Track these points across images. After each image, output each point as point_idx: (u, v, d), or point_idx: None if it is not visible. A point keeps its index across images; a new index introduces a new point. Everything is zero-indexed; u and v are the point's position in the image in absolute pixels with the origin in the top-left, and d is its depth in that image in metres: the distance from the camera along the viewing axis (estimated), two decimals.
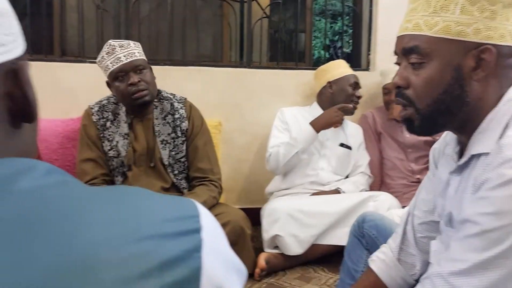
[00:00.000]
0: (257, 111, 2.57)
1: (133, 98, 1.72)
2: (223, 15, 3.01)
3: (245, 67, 2.66)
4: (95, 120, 1.80)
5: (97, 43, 2.55)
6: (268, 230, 2.02)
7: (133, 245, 0.33)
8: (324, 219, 2.02)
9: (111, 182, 1.81)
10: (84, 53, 2.54)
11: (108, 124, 1.80)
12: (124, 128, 1.80)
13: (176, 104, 1.87)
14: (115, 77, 1.73)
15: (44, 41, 2.53)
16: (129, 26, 2.56)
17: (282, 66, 2.73)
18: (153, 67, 2.19)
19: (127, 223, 0.34)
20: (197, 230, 0.36)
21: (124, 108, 1.83)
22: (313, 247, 2.03)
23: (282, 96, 2.59)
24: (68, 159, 2.16)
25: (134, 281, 0.31)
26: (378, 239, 1.27)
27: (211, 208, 1.80)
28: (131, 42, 1.80)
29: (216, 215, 1.77)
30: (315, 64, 3.30)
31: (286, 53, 3.28)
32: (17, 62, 0.42)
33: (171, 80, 2.36)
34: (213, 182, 1.85)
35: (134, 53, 1.75)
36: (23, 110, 0.42)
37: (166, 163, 1.81)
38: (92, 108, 1.83)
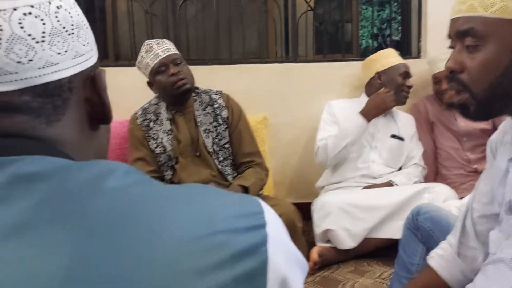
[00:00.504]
0: (304, 105, 2.57)
1: (175, 87, 1.82)
2: (268, 11, 3.02)
3: (291, 62, 2.66)
4: (139, 123, 1.94)
5: None
6: (319, 224, 2.02)
7: (208, 238, 0.35)
8: (376, 213, 1.99)
9: (160, 178, 1.92)
10: (136, 56, 2.64)
11: (152, 124, 1.93)
12: (167, 125, 1.91)
13: (214, 96, 1.96)
14: (157, 72, 1.85)
15: (99, 47, 2.66)
16: (176, 28, 2.64)
17: (329, 58, 2.70)
18: (201, 67, 2.25)
19: (201, 219, 0.36)
20: (262, 226, 0.38)
21: (164, 106, 1.94)
22: (366, 240, 2.01)
23: (329, 89, 2.57)
24: (125, 158, 2.27)
25: (210, 271, 0.34)
26: (434, 232, 1.24)
27: (260, 190, 1.90)
28: (165, 40, 1.93)
29: None
30: (363, 54, 3.23)
31: (333, 45, 3.24)
32: (94, 70, 0.46)
33: (218, 79, 2.40)
34: (259, 165, 1.93)
35: (170, 48, 1.88)
36: (100, 113, 0.46)
37: (211, 150, 1.89)
38: (136, 113, 1.97)
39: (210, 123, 1.91)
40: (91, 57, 0.46)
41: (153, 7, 2.69)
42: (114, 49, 2.80)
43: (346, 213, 1.99)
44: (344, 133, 2.12)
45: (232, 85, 2.33)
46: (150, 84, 1.93)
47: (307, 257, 1.91)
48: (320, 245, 2.01)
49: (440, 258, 1.05)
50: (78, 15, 0.44)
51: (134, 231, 0.34)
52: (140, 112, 1.97)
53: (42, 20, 0.40)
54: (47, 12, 0.40)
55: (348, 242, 1.97)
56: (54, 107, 0.41)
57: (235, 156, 1.94)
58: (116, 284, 0.32)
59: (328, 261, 1.97)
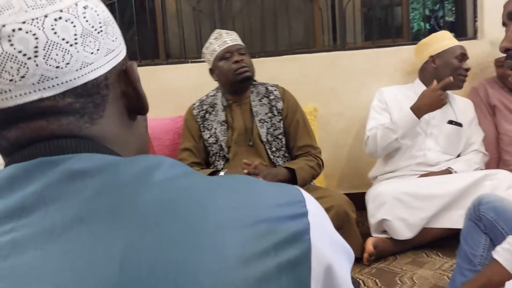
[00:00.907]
0: (354, 94, 2.51)
1: (236, 73, 1.90)
2: (313, 0, 2.97)
3: (339, 50, 2.61)
4: (195, 114, 2.02)
5: (196, 43, 2.70)
6: (374, 215, 1.97)
7: (251, 227, 0.36)
8: (435, 202, 1.92)
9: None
10: (186, 54, 2.70)
11: (207, 115, 2.00)
12: (222, 116, 1.97)
13: (270, 88, 2.02)
14: (221, 58, 1.93)
15: (150, 47, 2.74)
16: (223, 23, 2.66)
17: (378, 44, 2.62)
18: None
19: (245, 208, 0.38)
20: (304, 214, 0.39)
21: (221, 97, 2.00)
22: (424, 230, 1.94)
23: (380, 76, 2.50)
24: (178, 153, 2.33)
25: (255, 259, 0.35)
26: (498, 222, 1.18)
27: (311, 179, 1.91)
28: (234, 32, 2.04)
29: (318, 199, 1.79)
30: (415, 38, 3.11)
31: (382, 30, 3.13)
32: (125, 63, 0.47)
33: (265, 71, 2.39)
34: (312, 155, 1.94)
35: (238, 39, 1.99)
36: (137, 105, 0.47)
37: (264, 140, 1.93)
38: (193, 104, 2.06)
39: (266, 114, 1.96)
40: (120, 51, 0.46)
41: (200, 4, 2.73)
42: (165, 48, 2.88)
43: (402, 203, 1.93)
44: (395, 126, 2.05)
45: (280, 77, 2.32)
46: (211, 71, 2.01)
47: (362, 248, 1.88)
48: (375, 235, 1.97)
49: (506, 251, 1.01)
50: (103, 12, 0.45)
51: (182, 220, 0.35)
52: (197, 104, 2.05)
53: (72, 22, 0.40)
54: (76, 14, 0.41)
55: (404, 232, 1.91)
56: (95, 105, 0.43)
57: (291, 149, 1.97)
58: (167, 270, 0.33)
59: (384, 252, 1.92)
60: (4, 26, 0.38)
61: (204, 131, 1.99)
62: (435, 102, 2.00)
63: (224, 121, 1.96)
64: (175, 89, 2.53)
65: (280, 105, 1.97)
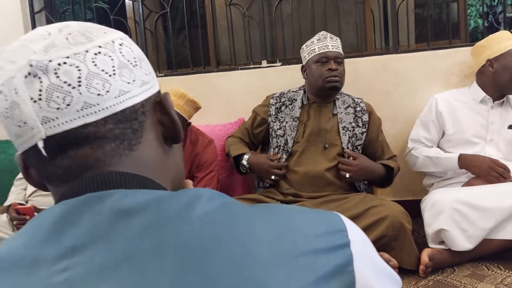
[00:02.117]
0: (408, 98, 2.44)
1: (326, 80, 1.95)
2: (365, 2, 2.91)
3: (392, 52, 2.54)
4: (272, 103, 2.10)
5: (245, 50, 2.73)
6: (431, 224, 1.90)
7: (291, 262, 0.36)
8: (497, 212, 1.82)
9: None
10: (236, 61, 2.73)
11: (283, 107, 2.06)
12: (297, 112, 2.03)
13: (356, 99, 2.08)
14: (317, 60, 1.99)
15: (201, 54, 2.80)
16: (272, 29, 2.67)
17: (433, 46, 2.53)
18: (297, 65, 2.26)
19: (284, 241, 0.38)
20: (346, 244, 0.39)
21: (302, 95, 2.06)
22: (485, 242, 1.85)
23: (436, 79, 2.41)
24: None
25: None
26: None
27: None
28: (338, 38, 2.06)
29: (372, 208, 1.76)
30: (471, 35, 2.97)
31: (437, 29, 3.02)
32: (159, 96, 0.51)
33: None
34: (395, 161, 2.10)
35: (339, 47, 2.03)
36: (172, 132, 0.50)
37: (345, 147, 1.98)
38: (274, 94, 2.16)
39: (350, 123, 2.00)
40: (154, 84, 0.50)
41: (249, 10, 2.76)
42: (215, 55, 2.93)
43: (461, 212, 1.84)
44: (436, 161, 2.10)
45: None
46: (303, 68, 2.08)
47: (418, 260, 1.82)
48: (432, 246, 1.90)
49: None
50: (137, 50, 0.49)
51: (223, 257, 0.36)
52: (277, 94, 2.13)
53: (110, 56, 0.45)
54: (113, 49, 0.45)
55: (464, 243, 1.83)
56: (133, 131, 0.46)
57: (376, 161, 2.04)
58: None
59: (441, 264, 1.85)
60: (51, 61, 0.42)
61: (275, 122, 2.06)
62: (484, 174, 1.97)
63: (297, 117, 2.02)
64: (226, 96, 2.57)
65: (365, 118, 2.02)
